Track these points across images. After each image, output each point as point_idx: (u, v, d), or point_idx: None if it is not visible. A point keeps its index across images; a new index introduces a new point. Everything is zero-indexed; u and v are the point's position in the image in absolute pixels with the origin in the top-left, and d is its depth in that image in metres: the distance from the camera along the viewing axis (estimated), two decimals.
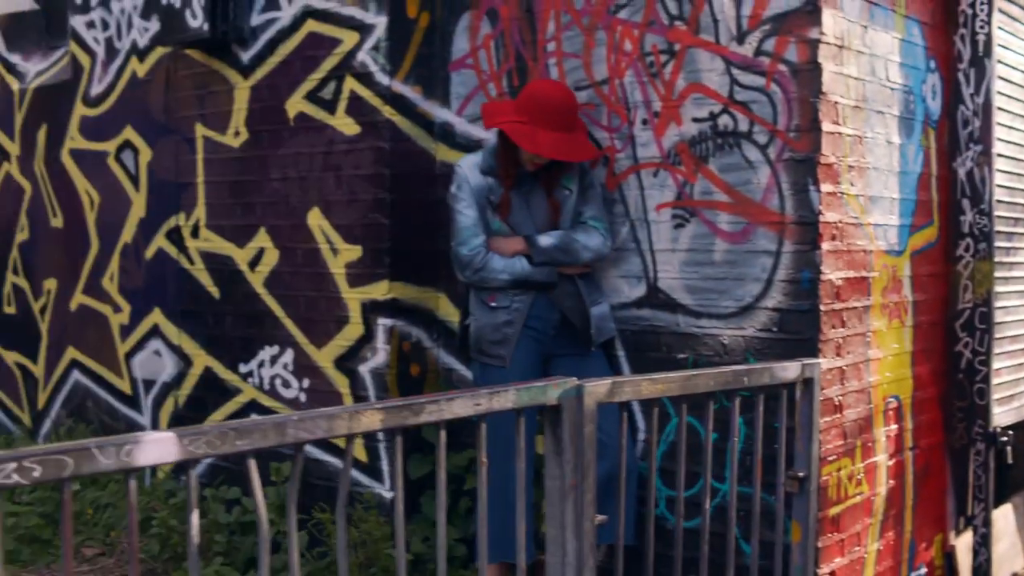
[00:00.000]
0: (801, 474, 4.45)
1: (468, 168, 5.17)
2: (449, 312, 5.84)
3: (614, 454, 4.78)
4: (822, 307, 4.72)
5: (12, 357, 8.18)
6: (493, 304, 5.12)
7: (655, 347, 5.17)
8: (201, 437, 2.79)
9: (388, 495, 5.67)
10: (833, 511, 4.89)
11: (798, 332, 4.76)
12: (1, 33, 8.21)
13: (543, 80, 5.38)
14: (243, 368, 6.39)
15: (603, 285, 5.25)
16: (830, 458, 4.86)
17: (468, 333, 5.28)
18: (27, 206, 7.98)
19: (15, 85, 8.06)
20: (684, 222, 5.04)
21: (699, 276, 5.01)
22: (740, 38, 4.86)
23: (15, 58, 8.14)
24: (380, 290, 5.71)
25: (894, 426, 5.37)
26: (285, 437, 2.96)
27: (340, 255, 5.88)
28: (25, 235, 8.00)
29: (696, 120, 4.99)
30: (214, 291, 6.52)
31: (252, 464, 2.95)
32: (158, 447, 2.72)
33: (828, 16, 4.71)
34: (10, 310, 8.18)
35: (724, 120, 4.91)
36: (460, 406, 3.33)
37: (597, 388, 3.65)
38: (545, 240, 5.08)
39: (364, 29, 5.76)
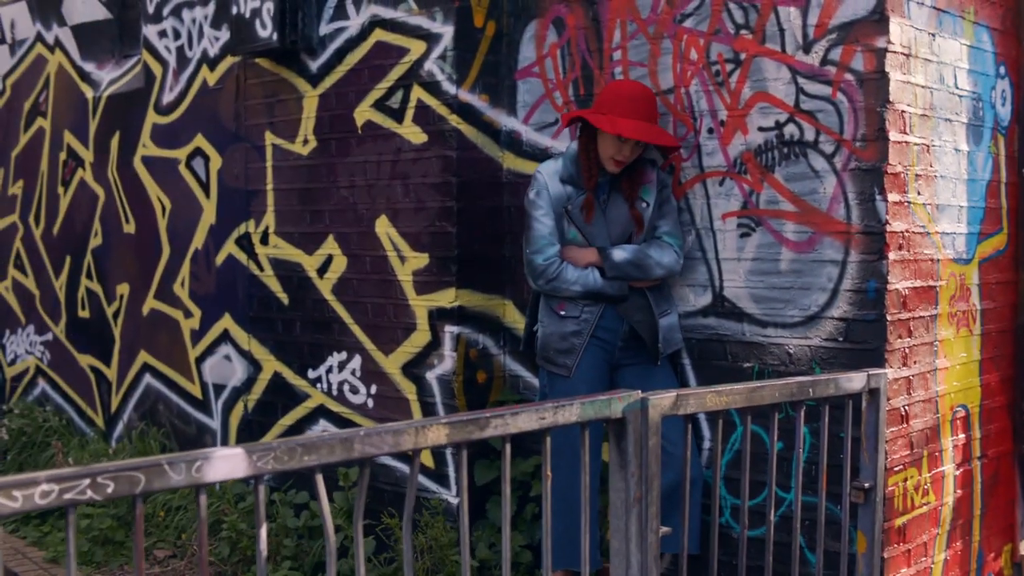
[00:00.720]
0: (867, 485, 4.42)
1: (548, 175, 5.19)
2: (515, 319, 5.87)
3: (679, 464, 4.80)
4: (888, 317, 4.70)
5: (86, 360, 8.32)
6: (562, 313, 5.14)
7: (720, 356, 5.17)
8: (270, 453, 2.84)
9: (454, 501, 5.71)
10: (899, 521, 4.87)
11: (864, 342, 4.75)
12: (76, 42, 8.34)
13: (620, 80, 5.40)
14: (311, 374, 6.45)
15: (672, 295, 5.25)
16: (896, 468, 4.83)
17: (533, 339, 5.32)
18: (100, 212, 8.11)
19: (89, 93, 8.20)
20: (750, 231, 5.04)
21: (765, 285, 5.00)
22: (806, 47, 4.84)
23: (89, 66, 8.27)
24: (447, 297, 5.75)
25: (962, 436, 5.33)
26: (352, 452, 3.01)
27: (407, 262, 5.92)
28: (98, 240, 8.13)
29: (762, 129, 4.98)
30: (283, 297, 6.59)
31: (319, 479, 2.99)
32: (227, 463, 2.77)
33: (895, 25, 4.69)
34: (84, 314, 8.32)
35: (790, 129, 4.90)
36: (524, 420, 3.35)
37: (662, 401, 3.65)
38: (619, 254, 5.09)
39: (431, 38, 5.80)
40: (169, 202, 7.46)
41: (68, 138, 8.41)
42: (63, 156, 8.49)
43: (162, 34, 7.42)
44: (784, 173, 4.93)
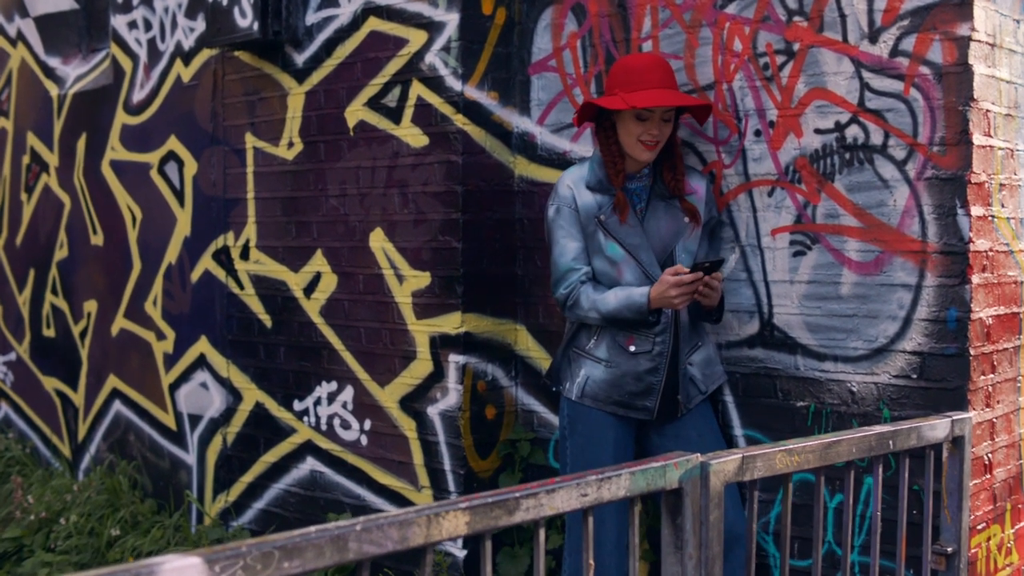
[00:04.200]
0: (949, 549, 3.77)
1: (573, 183, 4.42)
2: (528, 347, 5.18)
3: (732, 531, 4.15)
4: (972, 351, 4.02)
5: (52, 383, 7.59)
6: (632, 348, 4.37)
7: (769, 393, 4.48)
8: (237, 562, 2.14)
9: (460, 554, 5.01)
10: None
11: (942, 380, 4.06)
12: (40, 35, 7.62)
13: (627, 56, 4.70)
14: (298, 405, 5.76)
15: (701, 324, 4.52)
16: (979, 527, 4.16)
17: (561, 372, 4.54)
18: (66, 221, 7.39)
19: (54, 91, 7.47)
20: (805, 249, 4.35)
21: (822, 312, 4.32)
22: (873, 36, 4.16)
23: (54, 62, 7.55)
24: (451, 323, 5.06)
25: None
26: (347, 554, 2.32)
27: (406, 282, 5.24)
28: (64, 252, 7.40)
29: (819, 131, 4.30)
30: (266, 319, 5.90)
31: None
32: None
33: (980, 9, 4.00)
34: (49, 333, 7.59)
35: (853, 131, 4.22)
36: (563, 499, 2.67)
37: (725, 465, 3.00)
38: None
39: (433, 27, 5.12)
40: (140, 211, 6.75)
41: (32, 140, 7.68)
42: (26, 160, 7.76)
43: (132, 25, 6.71)
44: (846, 182, 4.24)
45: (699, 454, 2.98)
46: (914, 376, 4.12)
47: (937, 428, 3.69)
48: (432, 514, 2.44)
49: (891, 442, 3.54)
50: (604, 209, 4.36)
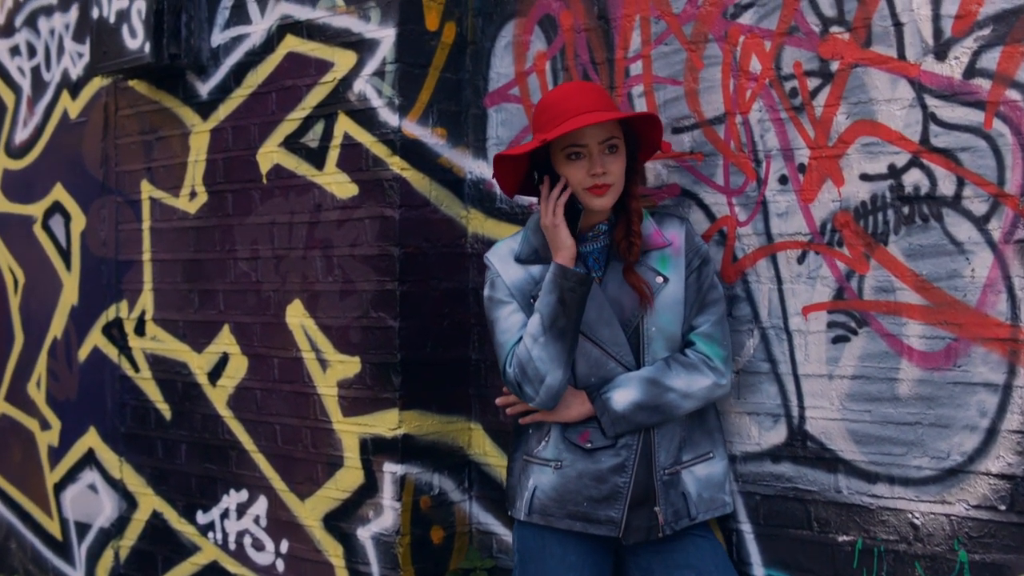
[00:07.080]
0: None
1: (499, 261, 3.49)
2: (486, 450, 4.23)
3: None
4: None
5: None
6: (588, 445, 3.41)
7: (800, 522, 3.53)
8: None
9: None
10: None
11: None
12: None
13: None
14: (202, 518, 4.82)
15: (716, 429, 3.53)
16: None
17: (516, 487, 3.52)
18: None
19: None
20: (848, 334, 3.42)
21: (873, 418, 3.37)
22: (940, 51, 3.23)
23: None
24: (386, 422, 4.11)
25: None
26: None
27: (331, 369, 4.31)
28: None
29: (867, 178, 3.37)
30: (164, 409, 4.97)
31: None
32: None
33: None
34: None
35: (914, 177, 3.29)
36: None
37: None
38: (621, 398, 3.36)
39: (363, 47, 4.20)
40: (23, 274, 5.82)
41: None
42: None
43: (14, 51, 5.77)
44: (904, 246, 3.32)
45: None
46: (1002, 507, 3.17)
47: None
48: None
49: None
50: (540, 284, 3.37)
